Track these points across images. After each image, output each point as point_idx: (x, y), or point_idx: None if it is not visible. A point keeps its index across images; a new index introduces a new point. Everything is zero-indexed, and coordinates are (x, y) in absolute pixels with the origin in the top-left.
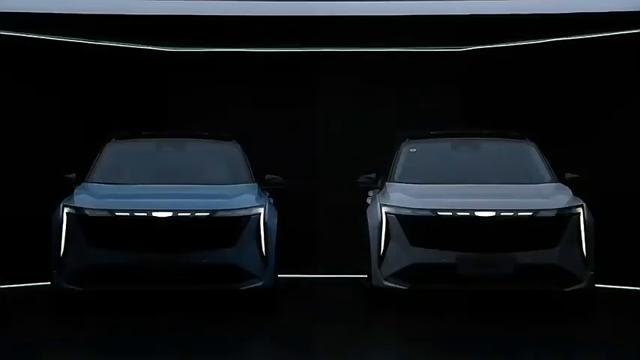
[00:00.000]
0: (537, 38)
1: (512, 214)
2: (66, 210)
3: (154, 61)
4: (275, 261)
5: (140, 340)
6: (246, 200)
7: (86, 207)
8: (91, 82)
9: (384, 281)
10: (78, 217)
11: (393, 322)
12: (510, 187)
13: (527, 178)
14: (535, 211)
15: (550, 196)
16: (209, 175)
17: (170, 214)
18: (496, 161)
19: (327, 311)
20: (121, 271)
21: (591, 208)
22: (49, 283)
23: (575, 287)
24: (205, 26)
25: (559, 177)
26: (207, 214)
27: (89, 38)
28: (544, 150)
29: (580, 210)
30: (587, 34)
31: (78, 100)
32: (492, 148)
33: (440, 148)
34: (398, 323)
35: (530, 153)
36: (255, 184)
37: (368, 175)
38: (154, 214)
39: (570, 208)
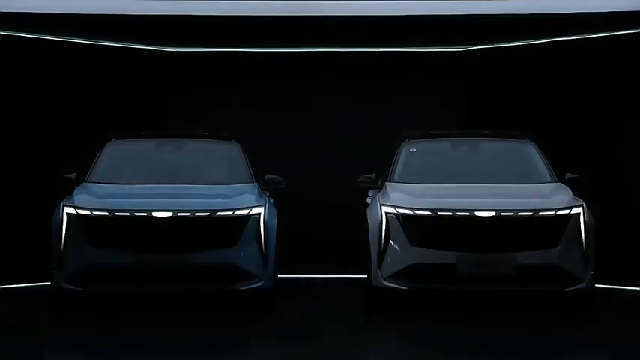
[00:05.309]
0: (537, 38)
1: (512, 214)
2: (66, 210)
3: (154, 61)
4: (275, 261)
5: (140, 340)
6: (246, 200)
7: (86, 207)
8: (91, 82)
9: (384, 281)
10: (78, 217)
11: (392, 322)
12: (510, 187)
13: (527, 178)
14: (535, 211)
15: (550, 196)
16: (209, 175)
17: (170, 214)
18: (496, 161)
19: (327, 311)
20: (121, 271)
21: (591, 208)
22: (49, 283)
23: (575, 287)
24: (205, 26)
25: (559, 177)
26: (207, 214)
27: (89, 38)
28: (544, 150)
29: (580, 210)
30: (587, 34)
31: (78, 100)
32: (492, 148)
33: (440, 148)
34: (398, 323)
35: (530, 153)
36: (255, 184)
37: (368, 175)
38: (154, 214)
39: (570, 208)
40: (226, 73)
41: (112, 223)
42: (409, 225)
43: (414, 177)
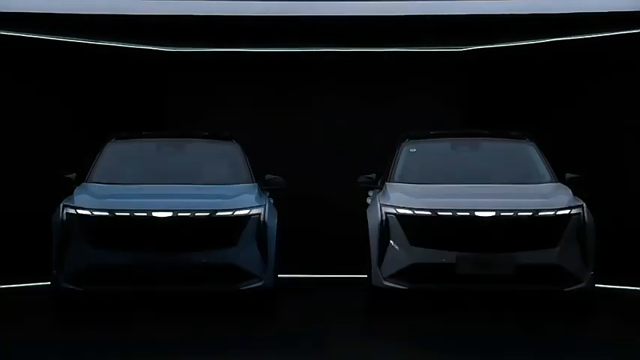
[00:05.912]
0: (537, 38)
1: (512, 214)
2: (66, 210)
3: (153, 61)
4: (275, 261)
5: (140, 340)
6: (246, 200)
7: (86, 207)
8: (91, 82)
9: (384, 281)
10: (78, 217)
11: (392, 322)
12: (510, 187)
13: (527, 178)
14: (535, 211)
15: (550, 196)
16: (209, 175)
17: (170, 214)
18: (496, 161)
19: (327, 311)
20: (121, 271)
21: (591, 208)
22: (49, 283)
23: (575, 287)
24: (205, 26)
25: (559, 177)
26: (207, 214)
27: (89, 38)
28: (544, 150)
29: (580, 210)
30: (587, 34)
31: (78, 100)
32: (492, 148)
33: (440, 148)
34: (398, 323)
35: (530, 153)
36: (255, 184)
37: (368, 175)
38: (154, 214)
39: (570, 208)
40: (226, 73)
41: (112, 223)
42: (409, 225)
43: (414, 177)
